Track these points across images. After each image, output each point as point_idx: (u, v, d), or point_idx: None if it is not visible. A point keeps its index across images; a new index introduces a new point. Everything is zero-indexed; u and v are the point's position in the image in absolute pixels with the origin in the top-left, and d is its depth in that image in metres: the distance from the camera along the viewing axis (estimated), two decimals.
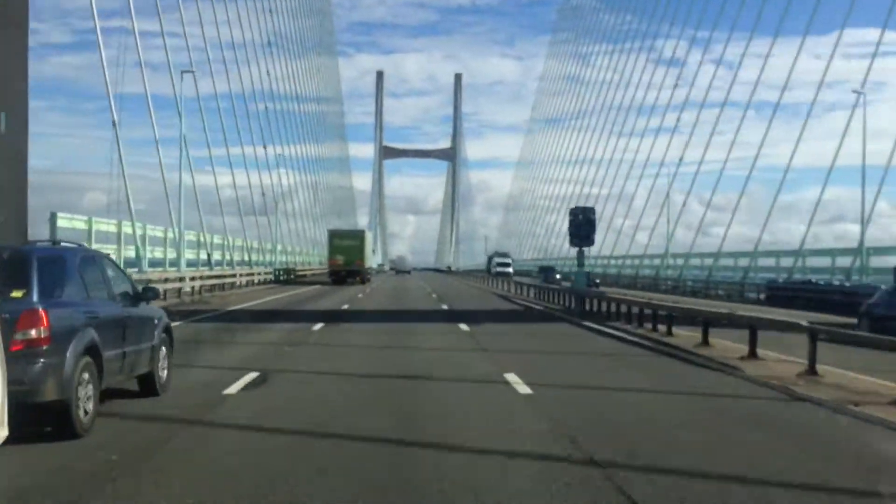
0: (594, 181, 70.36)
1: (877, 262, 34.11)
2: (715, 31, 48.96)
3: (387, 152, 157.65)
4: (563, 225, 72.16)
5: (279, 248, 61.72)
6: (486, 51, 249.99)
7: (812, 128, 36.61)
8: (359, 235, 58.71)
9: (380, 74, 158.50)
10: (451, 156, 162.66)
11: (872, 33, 38.57)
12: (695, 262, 51.23)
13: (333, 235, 58.78)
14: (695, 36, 52.85)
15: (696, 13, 51.74)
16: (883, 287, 20.78)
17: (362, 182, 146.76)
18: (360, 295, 36.79)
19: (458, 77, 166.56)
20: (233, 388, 9.53)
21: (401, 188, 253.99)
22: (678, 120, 53.68)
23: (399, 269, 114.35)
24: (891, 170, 31.23)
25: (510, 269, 78.24)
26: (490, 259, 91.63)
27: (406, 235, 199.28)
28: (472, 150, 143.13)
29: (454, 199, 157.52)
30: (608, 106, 68.88)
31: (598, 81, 73.01)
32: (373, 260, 70.98)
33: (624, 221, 63.91)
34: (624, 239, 62.60)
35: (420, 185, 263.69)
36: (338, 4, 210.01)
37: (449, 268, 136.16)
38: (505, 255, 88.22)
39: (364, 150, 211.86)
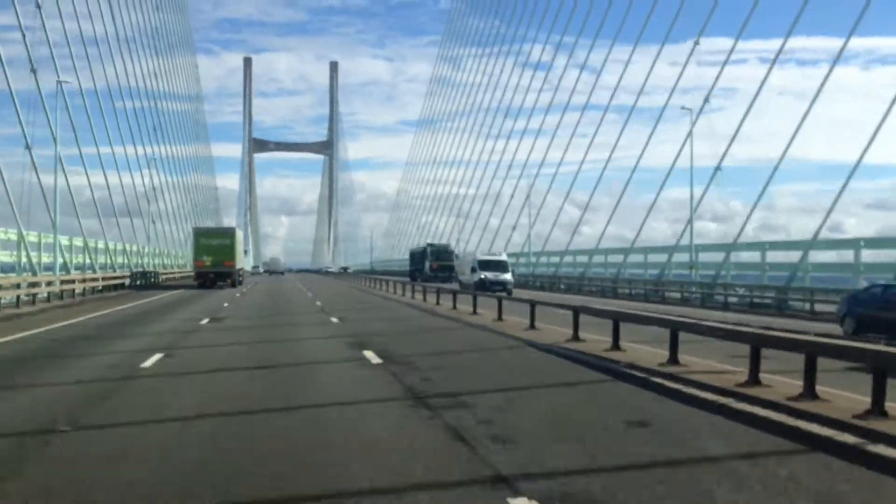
0: (472, 181, 74.25)
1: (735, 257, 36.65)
2: (596, 39, 51.85)
3: (257, 145, 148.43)
4: (440, 225, 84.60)
5: (146, 250, 58.92)
6: (357, 51, 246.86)
7: (671, 130, 40.20)
8: (228, 234, 51.94)
9: (247, 61, 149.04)
10: (326, 149, 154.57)
11: (725, 42, 40.09)
12: (567, 259, 54.26)
13: (199, 234, 52.16)
14: (574, 45, 55.83)
15: (564, 20, 55.93)
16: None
17: (234, 182, 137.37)
18: (226, 304, 30.15)
19: (333, 66, 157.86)
20: None
21: (273, 189, 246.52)
22: (550, 121, 57.38)
23: (273, 271, 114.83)
24: (745, 170, 35.22)
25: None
26: (458, 261, 59.50)
27: (280, 236, 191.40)
28: (344, 151, 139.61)
29: (331, 198, 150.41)
30: (484, 108, 72.51)
31: (473, 84, 76.45)
32: (245, 261, 63.49)
33: (501, 221, 67.24)
34: (498, 239, 65.79)
35: (293, 185, 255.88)
36: (202, 0, 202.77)
37: (345, 269, 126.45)
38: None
39: (236, 150, 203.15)
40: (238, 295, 36.79)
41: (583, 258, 51.49)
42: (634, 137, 43.89)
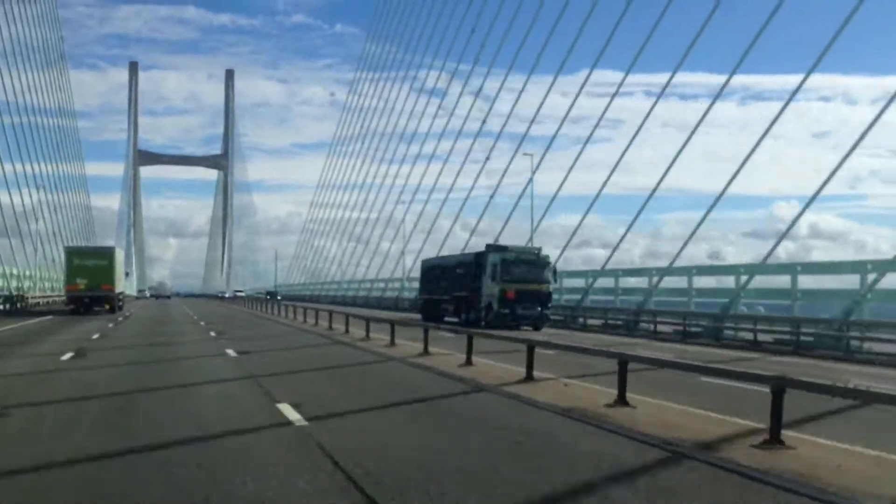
0: (370, 205, 74.67)
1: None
2: (491, 69, 52.65)
3: (144, 158, 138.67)
4: (332, 249, 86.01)
5: (13, 272, 56.17)
6: (250, 72, 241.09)
7: (561, 159, 41.69)
8: (106, 254, 46.55)
9: (133, 66, 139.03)
10: (221, 164, 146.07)
11: (614, 75, 42.32)
12: None
13: (72, 254, 46.74)
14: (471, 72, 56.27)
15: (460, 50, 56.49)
16: None
17: (119, 202, 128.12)
18: (95, 336, 25.45)
19: (229, 74, 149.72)
20: None
21: (161, 210, 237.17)
22: (446, 146, 58.10)
23: (160, 295, 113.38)
24: (633, 198, 36.57)
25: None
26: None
27: (168, 259, 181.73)
28: (238, 171, 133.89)
29: (226, 218, 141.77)
30: (382, 133, 73.35)
31: (373, 109, 77.13)
32: (127, 284, 57.49)
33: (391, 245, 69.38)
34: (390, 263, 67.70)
35: (182, 207, 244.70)
36: (87, 15, 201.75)
37: (237, 293, 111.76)
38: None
39: (122, 169, 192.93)
40: (111, 325, 31.65)
41: None
42: (524, 164, 44.70)
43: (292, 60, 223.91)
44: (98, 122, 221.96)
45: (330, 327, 29.09)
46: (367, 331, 24.12)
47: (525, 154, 43.59)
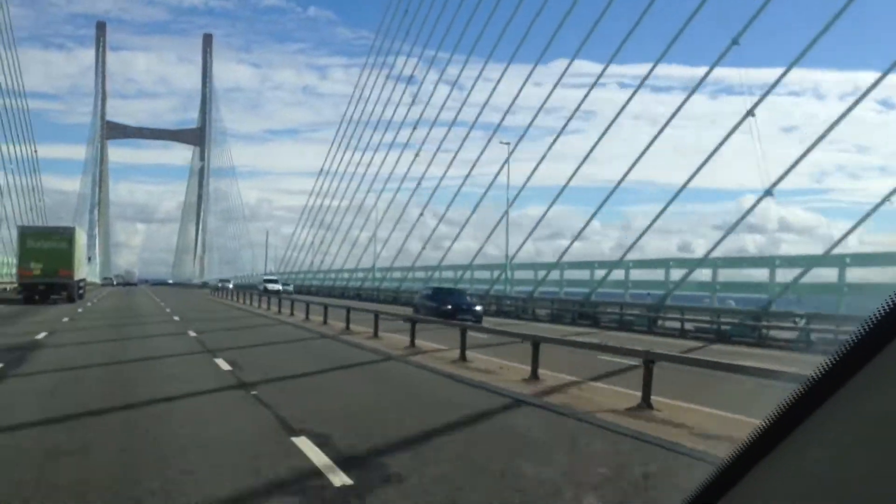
0: (343, 193, 73.56)
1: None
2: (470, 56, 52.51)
3: (113, 130, 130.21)
4: (301, 236, 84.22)
5: None
6: (222, 55, 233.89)
7: (535, 149, 43.60)
8: (65, 235, 42.09)
9: (101, 27, 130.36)
10: (197, 141, 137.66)
11: (589, 66, 44.30)
12: (419, 275, 56.29)
13: (26, 235, 42.11)
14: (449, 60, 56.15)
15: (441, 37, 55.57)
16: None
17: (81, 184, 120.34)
18: (41, 335, 20.50)
19: (207, 39, 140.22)
20: None
21: (130, 195, 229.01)
22: (420, 135, 58.18)
23: (126, 283, 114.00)
24: (603, 190, 38.22)
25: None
26: None
27: (135, 245, 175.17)
28: (214, 155, 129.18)
29: (200, 202, 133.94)
30: (357, 120, 72.10)
31: (347, 96, 73.63)
32: (88, 269, 51.84)
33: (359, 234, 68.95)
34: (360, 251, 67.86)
35: (151, 192, 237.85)
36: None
37: (223, 283, 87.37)
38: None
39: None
40: (66, 320, 26.79)
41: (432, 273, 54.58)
42: (498, 154, 45.44)
43: (265, 44, 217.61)
44: (67, 105, 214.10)
45: (375, 334, 21.88)
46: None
47: (501, 143, 44.85)
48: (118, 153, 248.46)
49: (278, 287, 62.08)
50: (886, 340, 1.18)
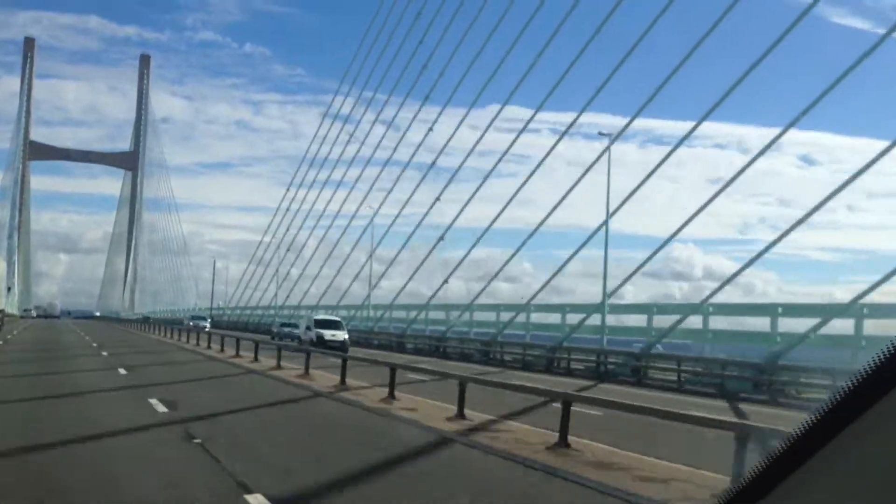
0: (276, 229, 73.00)
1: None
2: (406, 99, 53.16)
3: (36, 151, 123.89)
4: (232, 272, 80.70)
5: None
6: (155, 86, 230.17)
7: (470, 191, 42.99)
8: None
9: (29, 43, 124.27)
10: (130, 162, 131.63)
11: (522, 112, 44.62)
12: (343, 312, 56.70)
13: None
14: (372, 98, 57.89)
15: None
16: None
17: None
18: None
19: (144, 59, 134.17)
20: None
21: (52, 224, 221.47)
22: (355, 174, 58.80)
23: (48, 315, 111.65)
24: (538, 234, 37.45)
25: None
26: None
27: (57, 276, 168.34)
28: (146, 186, 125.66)
29: (131, 231, 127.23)
30: (290, 156, 71.22)
31: (279, 131, 74.65)
32: (9, 300, 48.41)
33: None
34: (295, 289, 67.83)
35: (76, 221, 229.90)
36: None
37: (197, 321, 68.49)
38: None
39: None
40: None
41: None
42: (433, 195, 46.30)
43: (199, 77, 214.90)
44: None
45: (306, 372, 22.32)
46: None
47: (436, 195, 45.53)
48: (42, 181, 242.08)
49: (206, 325, 58.13)
50: None
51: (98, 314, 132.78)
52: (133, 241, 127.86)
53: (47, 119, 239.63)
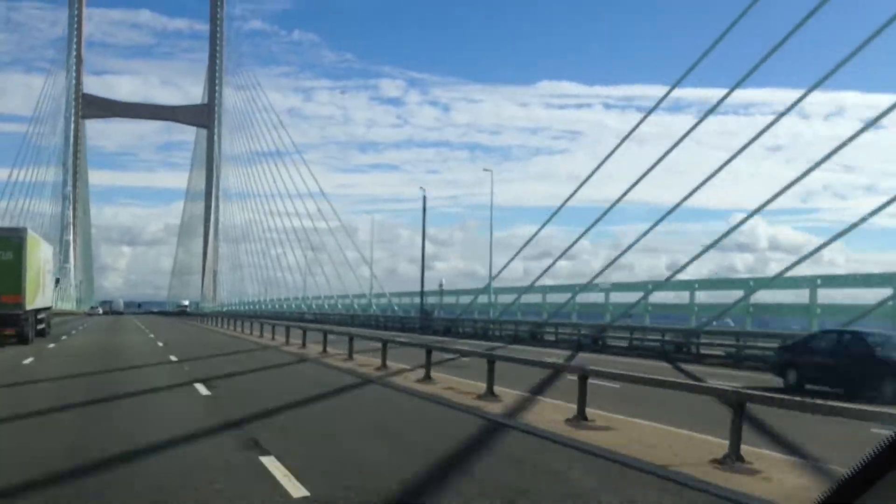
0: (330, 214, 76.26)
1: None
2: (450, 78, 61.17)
3: (91, 107, 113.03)
4: (290, 258, 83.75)
5: None
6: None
7: (520, 170, 54.64)
8: (10, 241, 29.22)
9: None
10: (204, 118, 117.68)
11: (573, 87, 41.47)
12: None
13: None
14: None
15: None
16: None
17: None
18: None
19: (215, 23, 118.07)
20: None
21: (114, 218, 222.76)
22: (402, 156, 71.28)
23: (114, 311, 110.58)
24: (591, 210, 46.55)
25: None
26: None
27: (121, 268, 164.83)
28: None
29: (208, 208, 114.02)
30: (339, 141, 75.31)
31: (328, 117, 77.14)
32: (50, 293, 37.29)
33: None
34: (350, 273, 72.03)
35: (139, 214, 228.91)
36: (38, 17, 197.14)
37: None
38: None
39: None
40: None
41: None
42: (482, 175, 55.27)
43: (250, 66, 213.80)
44: (48, 128, 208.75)
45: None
46: None
47: (485, 170, 56.68)
48: (100, 176, 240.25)
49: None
50: None
51: (168, 308, 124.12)
52: (213, 218, 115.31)
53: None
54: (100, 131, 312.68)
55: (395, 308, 63.14)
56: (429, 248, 54.09)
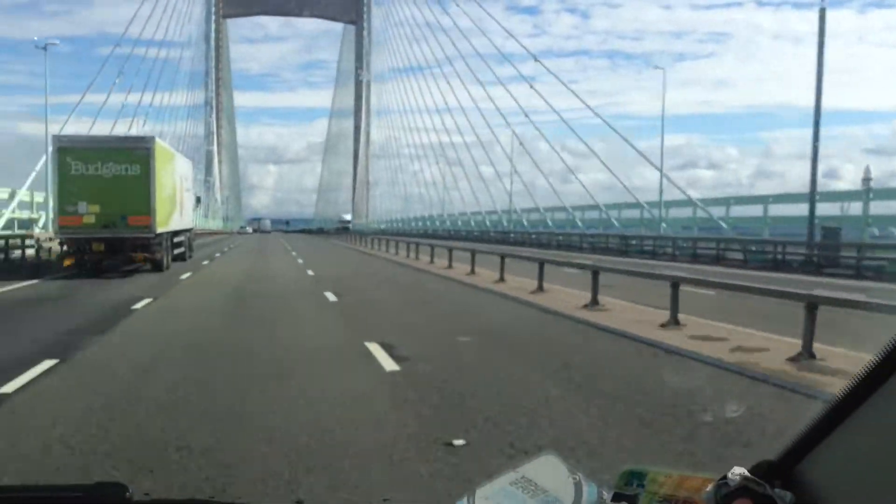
0: (459, 129, 76.20)
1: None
2: None
3: (231, 5, 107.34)
4: (428, 173, 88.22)
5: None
6: None
7: (660, 77, 41.33)
8: (136, 152, 24.75)
9: None
10: (353, 15, 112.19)
11: None
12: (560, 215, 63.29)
13: (66, 152, 24.81)
14: None
15: None
16: None
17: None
18: None
19: None
20: None
21: (259, 138, 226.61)
22: (538, 68, 71.19)
23: (261, 230, 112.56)
24: (738, 116, 63.85)
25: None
26: None
27: (268, 187, 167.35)
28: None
29: (359, 118, 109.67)
30: (471, 54, 71.25)
31: (463, 28, 73.60)
32: (190, 213, 33.13)
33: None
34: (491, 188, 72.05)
35: (281, 134, 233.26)
36: None
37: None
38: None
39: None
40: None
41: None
42: (623, 83, 54.24)
43: None
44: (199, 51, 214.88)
45: None
46: None
47: (656, 67, 53.88)
48: (244, 97, 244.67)
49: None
50: None
51: (313, 226, 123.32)
52: (364, 127, 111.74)
53: (249, 36, 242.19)
54: (245, 54, 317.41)
55: (578, 223, 58.26)
56: (568, 160, 56.65)
